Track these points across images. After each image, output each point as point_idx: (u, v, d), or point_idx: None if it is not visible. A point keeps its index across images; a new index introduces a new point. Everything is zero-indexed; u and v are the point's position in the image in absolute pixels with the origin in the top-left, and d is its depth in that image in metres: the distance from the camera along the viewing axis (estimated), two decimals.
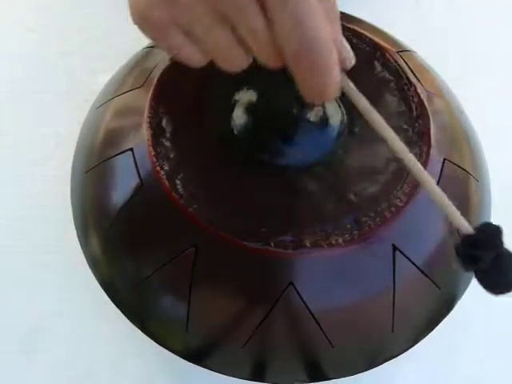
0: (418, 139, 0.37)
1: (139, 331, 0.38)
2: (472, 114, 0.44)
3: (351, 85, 0.30)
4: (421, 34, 0.55)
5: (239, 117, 0.38)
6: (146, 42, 0.45)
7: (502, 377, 0.43)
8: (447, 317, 0.39)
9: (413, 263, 0.35)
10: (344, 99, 0.39)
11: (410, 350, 0.39)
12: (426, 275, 0.36)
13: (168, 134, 0.37)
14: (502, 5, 0.60)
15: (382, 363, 0.38)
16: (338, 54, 0.28)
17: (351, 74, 0.40)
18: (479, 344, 0.44)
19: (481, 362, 0.43)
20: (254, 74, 0.39)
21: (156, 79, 0.39)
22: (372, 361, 0.38)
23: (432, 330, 0.39)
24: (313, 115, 0.37)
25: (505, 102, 0.55)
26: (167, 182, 0.35)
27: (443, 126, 0.40)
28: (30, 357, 0.43)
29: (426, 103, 0.39)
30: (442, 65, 0.46)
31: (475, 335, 0.44)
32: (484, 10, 0.59)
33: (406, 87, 0.39)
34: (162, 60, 0.40)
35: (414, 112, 0.38)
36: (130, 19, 0.28)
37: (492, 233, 0.29)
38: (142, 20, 0.28)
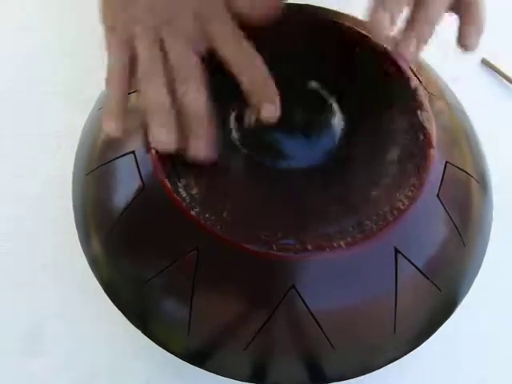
0: (421, 141, 0.37)
1: (140, 333, 0.38)
2: (472, 115, 0.44)
3: None
4: None
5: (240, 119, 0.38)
6: None
7: (505, 379, 0.43)
8: (449, 319, 0.39)
9: (415, 266, 0.35)
10: (346, 103, 0.39)
11: (412, 352, 0.39)
12: (428, 278, 0.36)
13: None
14: (502, 5, 0.59)
15: (383, 366, 0.38)
16: None
17: (353, 76, 0.40)
18: (481, 346, 0.44)
19: (483, 364, 0.43)
20: None
21: None
22: (374, 363, 0.38)
23: (434, 332, 0.39)
24: (314, 118, 0.37)
25: (505, 102, 0.55)
26: (169, 185, 0.35)
27: (445, 127, 0.39)
28: (29, 358, 0.43)
29: (428, 105, 0.38)
30: (442, 65, 0.46)
31: (477, 337, 0.44)
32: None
33: (408, 89, 0.39)
34: None
35: (416, 114, 0.38)
36: None
37: None
38: None
